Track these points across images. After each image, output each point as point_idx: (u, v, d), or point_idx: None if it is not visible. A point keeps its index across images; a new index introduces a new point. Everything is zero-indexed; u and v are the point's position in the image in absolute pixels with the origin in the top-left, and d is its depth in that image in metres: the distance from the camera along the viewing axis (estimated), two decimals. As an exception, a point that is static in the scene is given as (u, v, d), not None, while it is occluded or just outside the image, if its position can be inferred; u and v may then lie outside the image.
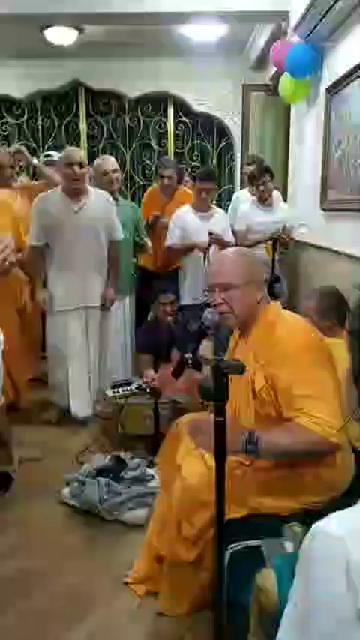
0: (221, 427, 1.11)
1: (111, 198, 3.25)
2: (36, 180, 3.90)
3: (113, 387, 3.18)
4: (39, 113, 5.61)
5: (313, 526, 0.64)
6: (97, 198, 3.14)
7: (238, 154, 5.42)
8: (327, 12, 2.86)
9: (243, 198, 4.23)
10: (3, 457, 2.65)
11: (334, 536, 0.61)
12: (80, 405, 3.23)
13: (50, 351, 3.29)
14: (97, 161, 3.58)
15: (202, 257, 3.39)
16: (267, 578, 1.15)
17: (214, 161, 5.71)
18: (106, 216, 3.18)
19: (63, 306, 3.15)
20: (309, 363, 1.47)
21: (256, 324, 1.61)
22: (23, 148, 3.69)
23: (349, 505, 0.68)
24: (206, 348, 1.71)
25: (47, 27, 4.20)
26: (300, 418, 1.41)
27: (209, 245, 3.37)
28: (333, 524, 0.63)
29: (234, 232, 3.72)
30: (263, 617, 1.16)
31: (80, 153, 3.09)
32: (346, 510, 0.66)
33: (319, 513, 1.43)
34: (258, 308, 1.62)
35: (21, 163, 3.54)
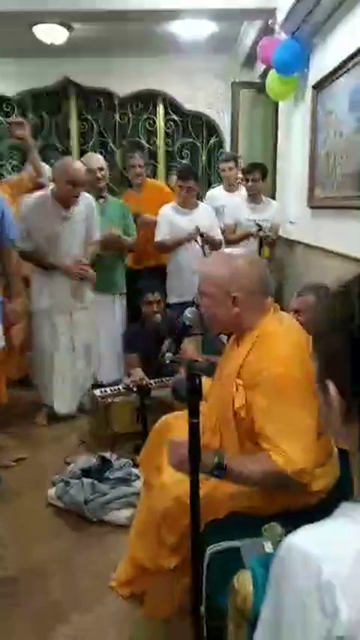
0: (195, 428, 1.09)
1: (93, 200, 3.25)
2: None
3: (101, 386, 3.18)
4: (30, 111, 5.57)
5: (288, 538, 0.60)
6: (82, 202, 3.15)
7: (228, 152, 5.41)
8: (313, 8, 2.85)
9: (219, 197, 4.16)
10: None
11: (310, 556, 0.56)
12: (63, 402, 3.25)
13: (37, 351, 3.26)
14: (82, 159, 3.56)
15: (200, 247, 3.36)
16: (243, 580, 1.13)
17: (204, 158, 5.70)
18: (89, 219, 3.21)
19: (53, 307, 3.16)
20: (289, 400, 1.38)
21: (249, 333, 1.50)
22: (25, 122, 3.50)
23: (331, 506, 0.65)
24: (187, 346, 1.68)
25: (36, 24, 4.15)
26: (271, 451, 1.36)
27: (202, 242, 3.36)
28: (310, 541, 0.59)
29: (221, 228, 3.71)
30: (239, 620, 1.14)
31: (83, 170, 3.06)
32: (324, 524, 0.62)
33: (301, 513, 1.43)
34: (239, 319, 1.50)
35: (18, 133, 3.24)
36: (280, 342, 1.45)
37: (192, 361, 1.09)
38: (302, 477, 1.34)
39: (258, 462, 1.38)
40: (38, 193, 3.12)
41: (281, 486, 1.40)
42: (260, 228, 3.59)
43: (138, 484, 2.30)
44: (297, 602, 0.57)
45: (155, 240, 3.53)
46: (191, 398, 1.08)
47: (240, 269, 1.49)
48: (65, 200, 3.05)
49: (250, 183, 3.74)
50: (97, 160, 3.49)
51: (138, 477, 2.35)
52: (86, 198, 3.19)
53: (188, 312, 1.63)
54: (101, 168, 3.43)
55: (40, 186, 3.28)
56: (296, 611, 0.57)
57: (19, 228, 3.02)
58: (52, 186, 3.12)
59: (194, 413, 1.09)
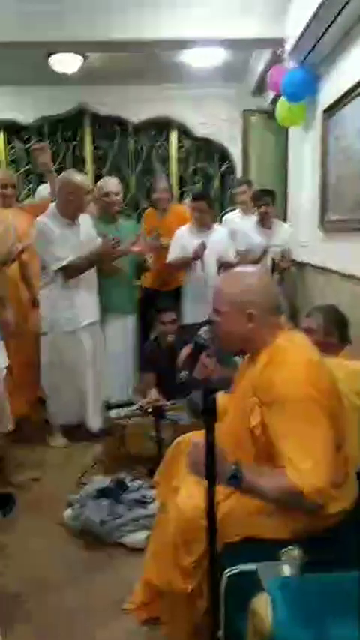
0: (210, 445, 1.10)
1: (89, 217, 3.34)
2: None
3: (115, 407, 3.19)
4: (46, 138, 5.72)
5: None
6: (82, 219, 3.25)
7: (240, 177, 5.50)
8: (321, 37, 2.94)
9: (237, 220, 4.28)
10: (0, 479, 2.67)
11: None
12: (96, 418, 3.29)
13: (64, 371, 3.22)
14: (99, 182, 3.65)
15: (200, 268, 3.42)
16: (261, 602, 1.13)
17: (217, 185, 5.79)
18: (93, 234, 3.30)
19: (75, 324, 3.19)
20: (304, 418, 1.37)
21: (264, 351, 1.51)
22: (47, 146, 3.61)
23: (349, 529, 0.65)
24: (206, 361, 1.69)
25: (52, 54, 4.31)
26: (288, 470, 1.35)
27: (199, 253, 3.43)
28: None
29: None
30: (258, 643, 1.13)
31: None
32: None
33: (319, 537, 1.42)
34: (254, 336, 1.51)
35: (40, 159, 3.44)
36: (294, 359, 1.46)
37: (208, 377, 1.11)
38: (318, 496, 1.33)
39: (274, 477, 1.38)
40: (46, 213, 3.17)
41: (296, 505, 1.39)
42: (266, 252, 3.64)
43: (153, 506, 2.29)
44: None
45: (167, 260, 3.59)
46: (207, 414, 1.09)
47: (254, 286, 1.52)
48: (79, 210, 3.16)
49: (262, 209, 3.77)
50: (115, 184, 3.53)
51: (153, 500, 2.34)
52: (84, 215, 3.29)
53: (203, 332, 1.65)
54: (117, 193, 3.50)
55: None
56: None
57: (45, 251, 3.07)
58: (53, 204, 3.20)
59: (210, 430, 1.10)
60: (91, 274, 3.29)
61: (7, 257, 3.00)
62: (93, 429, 3.27)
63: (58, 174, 3.34)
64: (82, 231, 3.22)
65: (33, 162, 4.48)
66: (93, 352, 3.28)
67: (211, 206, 3.68)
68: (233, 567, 1.40)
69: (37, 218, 3.16)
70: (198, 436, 1.65)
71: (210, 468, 1.15)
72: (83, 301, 3.22)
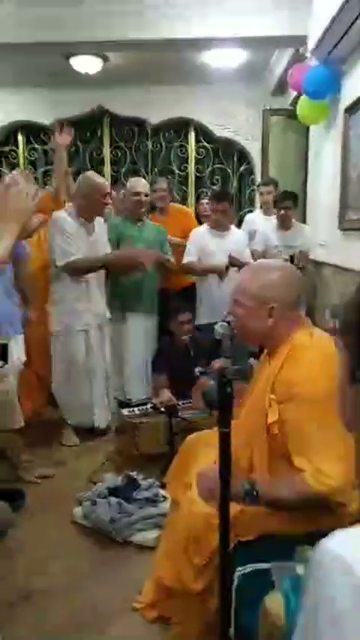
0: (226, 438, 1.07)
1: (103, 222, 3.35)
2: None
3: (129, 406, 3.17)
4: (65, 139, 5.74)
5: (323, 542, 0.60)
6: (97, 222, 3.26)
7: (258, 178, 5.46)
8: (344, 35, 2.89)
9: (258, 221, 4.28)
10: (11, 475, 2.68)
11: (346, 560, 0.56)
12: (103, 417, 3.31)
13: (73, 369, 3.18)
14: (130, 182, 3.62)
15: (218, 279, 3.40)
16: (274, 601, 1.09)
17: (235, 185, 5.76)
18: (105, 237, 3.31)
19: (87, 324, 3.18)
20: (323, 416, 1.32)
21: (282, 346, 1.48)
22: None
23: None
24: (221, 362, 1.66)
25: (72, 55, 4.34)
26: (305, 473, 1.31)
27: (228, 266, 3.37)
28: (335, 540, 0.58)
29: (252, 253, 3.71)
30: (270, 642, 1.09)
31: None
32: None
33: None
34: (272, 332, 1.48)
35: (59, 140, 3.61)
36: (314, 355, 1.42)
37: (223, 368, 1.08)
38: (339, 495, 1.29)
39: (292, 486, 1.34)
40: (64, 211, 3.15)
41: (319, 506, 1.35)
42: (292, 258, 3.60)
43: (165, 505, 2.26)
44: (333, 609, 0.54)
45: (183, 261, 3.54)
46: (223, 405, 1.05)
47: (277, 280, 1.48)
48: (97, 212, 3.18)
49: (282, 212, 3.74)
50: (144, 184, 3.52)
51: (165, 498, 2.31)
52: (99, 218, 3.30)
53: (219, 327, 1.61)
54: (147, 194, 3.49)
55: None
56: (332, 617, 0.55)
57: (57, 244, 3.06)
58: (68, 204, 3.22)
59: (225, 422, 1.07)
60: (100, 274, 3.27)
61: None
62: (100, 426, 3.28)
63: (74, 176, 3.36)
64: (96, 234, 3.21)
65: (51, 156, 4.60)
66: (102, 352, 3.28)
67: (232, 206, 3.65)
68: (245, 566, 1.36)
69: (55, 212, 3.17)
70: (209, 436, 1.62)
71: (225, 465, 1.12)
72: (93, 301, 3.21)
